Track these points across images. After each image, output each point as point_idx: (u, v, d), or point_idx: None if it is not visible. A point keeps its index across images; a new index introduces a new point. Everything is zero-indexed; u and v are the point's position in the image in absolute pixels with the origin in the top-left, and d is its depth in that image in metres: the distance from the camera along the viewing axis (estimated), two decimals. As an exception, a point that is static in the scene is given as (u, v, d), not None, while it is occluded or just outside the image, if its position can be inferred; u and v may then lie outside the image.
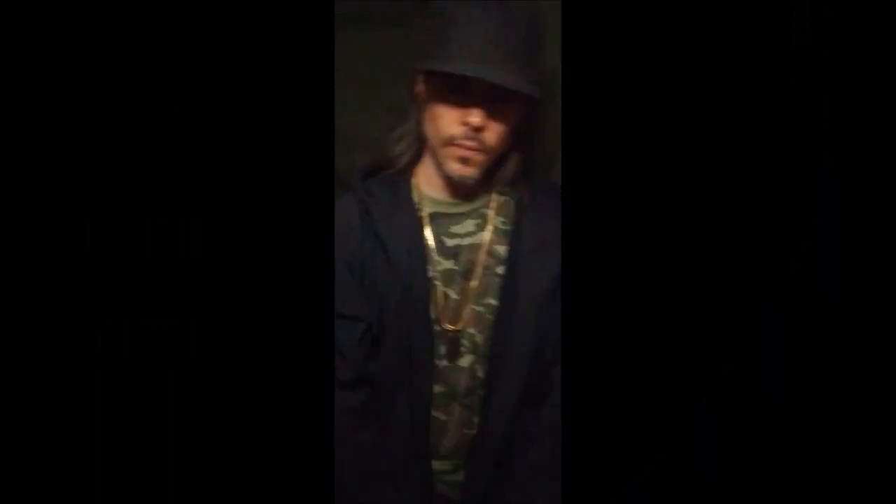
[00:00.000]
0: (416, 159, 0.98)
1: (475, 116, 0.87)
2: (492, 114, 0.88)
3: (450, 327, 0.93)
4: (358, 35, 1.12)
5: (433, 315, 0.93)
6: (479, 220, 0.97)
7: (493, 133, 0.89)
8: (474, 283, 0.94)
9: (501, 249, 0.95)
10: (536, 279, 0.93)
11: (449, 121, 0.89)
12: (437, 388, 0.94)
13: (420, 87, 0.93)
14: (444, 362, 0.94)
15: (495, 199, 0.97)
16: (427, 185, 0.98)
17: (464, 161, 0.90)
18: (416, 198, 0.97)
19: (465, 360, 0.94)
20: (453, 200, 0.97)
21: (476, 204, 0.97)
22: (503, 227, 0.96)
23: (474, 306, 0.94)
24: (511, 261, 0.94)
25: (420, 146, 0.97)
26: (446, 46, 0.86)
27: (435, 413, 0.94)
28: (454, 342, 0.94)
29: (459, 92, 0.88)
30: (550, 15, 1.14)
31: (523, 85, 0.85)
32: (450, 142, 0.90)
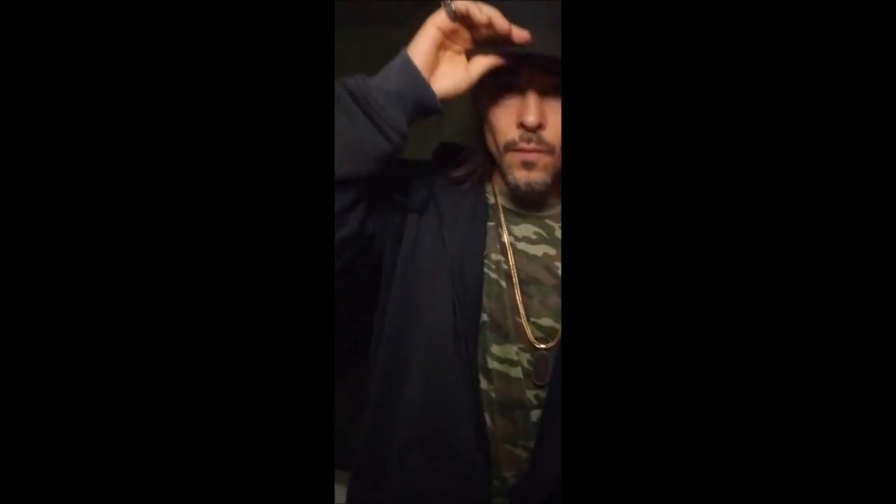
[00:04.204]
0: (485, 175, 0.94)
1: (531, 115, 0.82)
2: (549, 109, 0.83)
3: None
4: (358, 35, 1.12)
5: (484, 302, 0.88)
6: (540, 230, 0.91)
7: (554, 130, 0.83)
8: (527, 298, 0.88)
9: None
10: None
11: (505, 125, 0.84)
12: (486, 388, 0.88)
13: (479, 97, 0.88)
14: (495, 364, 0.88)
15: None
16: (500, 193, 0.94)
17: (528, 166, 0.85)
18: (487, 190, 0.93)
19: (517, 372, 0.88)
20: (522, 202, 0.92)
21: (542, 211, 0.92)
22: None
23: (527, 322, 0.88)
24: None
25: (487, 163, 0.93)
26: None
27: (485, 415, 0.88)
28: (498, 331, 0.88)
29: (510, 85, 0.83)
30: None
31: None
32: (510, 148, 0.85)
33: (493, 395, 0.88)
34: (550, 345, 0.88)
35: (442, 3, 0.79)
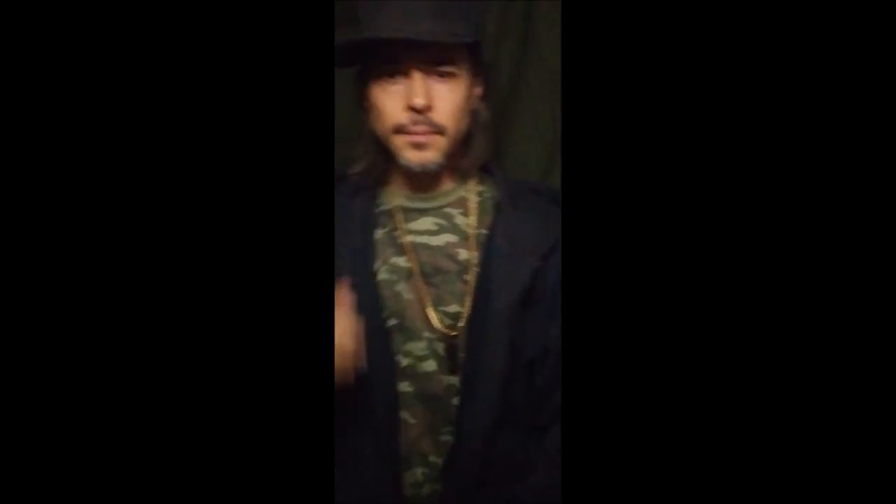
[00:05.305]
0: (386, 169, 0.93)
1: (418, 97, 0.83)
2: (435, 91, 0.85)
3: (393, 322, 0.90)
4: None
5: (384, 313, 0.89)
6: (440, 220, 0.93)
7: (443, 111, 0.85)
8: (433, 289, 0.90)
9: (464, 254, 0.91)
10: (506, 290, 0.88)
11: (393, 109, 0.85)
12: (403, 387, 0.90)
13: (361, 86, 0.89)
14: (408, 360, 0.90)
15: (470, 199, 0.93)
16: (396, 183, 0.94)
17: (419, 146, 0.86)
18: (379, 197, 0.94)
19: (429, 365, 0.90)
20: (419, 195, 0.93)
21: (440, 201, 0.93)
22: (472, 230, 0.92)
23: (434, 312, 0.90)
24: (483, 268, 0.90)
25: (381, 157, 0.92)
26: (369, 18, 0.83)
27: (403, 414, 0.90)
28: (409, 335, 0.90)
29: (395, 72, 0.84)
30: (550, 14, 1.15)
31: (456, 33, 0.82)
32: (400, 130, 0.86)
33: (410, 390, 0.90)
34: (458, 332, 0.89)
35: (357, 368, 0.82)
